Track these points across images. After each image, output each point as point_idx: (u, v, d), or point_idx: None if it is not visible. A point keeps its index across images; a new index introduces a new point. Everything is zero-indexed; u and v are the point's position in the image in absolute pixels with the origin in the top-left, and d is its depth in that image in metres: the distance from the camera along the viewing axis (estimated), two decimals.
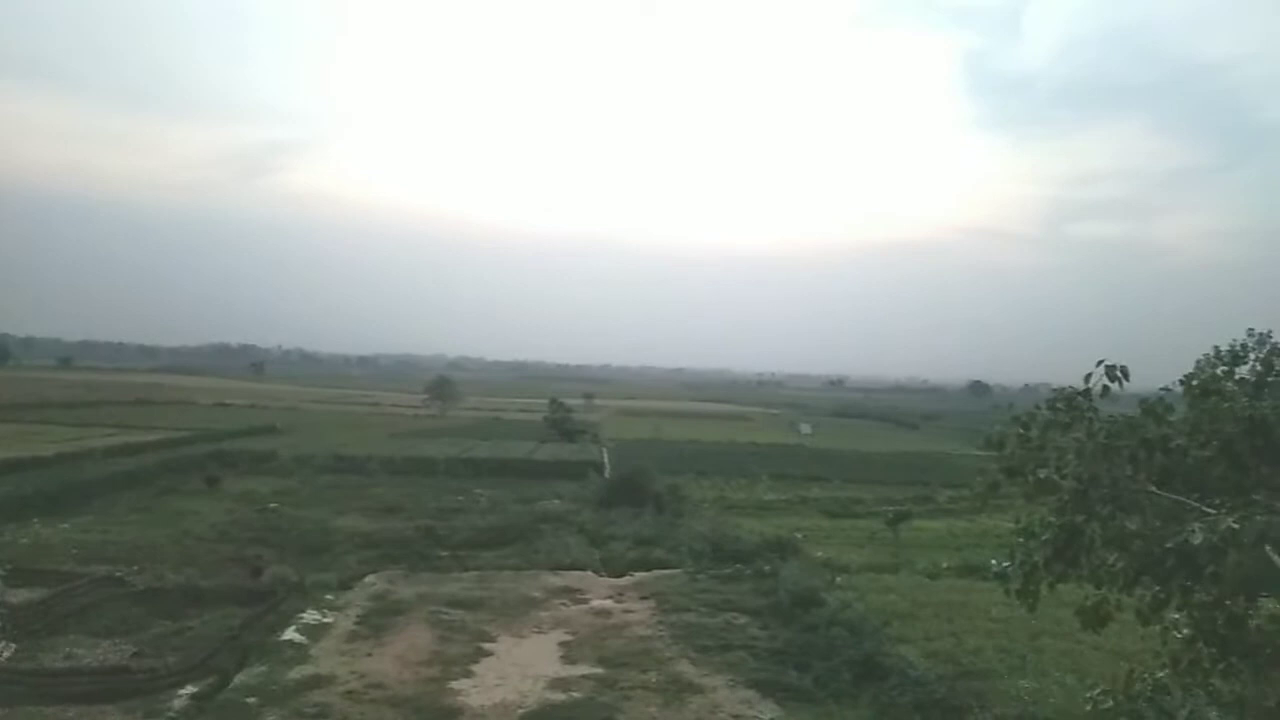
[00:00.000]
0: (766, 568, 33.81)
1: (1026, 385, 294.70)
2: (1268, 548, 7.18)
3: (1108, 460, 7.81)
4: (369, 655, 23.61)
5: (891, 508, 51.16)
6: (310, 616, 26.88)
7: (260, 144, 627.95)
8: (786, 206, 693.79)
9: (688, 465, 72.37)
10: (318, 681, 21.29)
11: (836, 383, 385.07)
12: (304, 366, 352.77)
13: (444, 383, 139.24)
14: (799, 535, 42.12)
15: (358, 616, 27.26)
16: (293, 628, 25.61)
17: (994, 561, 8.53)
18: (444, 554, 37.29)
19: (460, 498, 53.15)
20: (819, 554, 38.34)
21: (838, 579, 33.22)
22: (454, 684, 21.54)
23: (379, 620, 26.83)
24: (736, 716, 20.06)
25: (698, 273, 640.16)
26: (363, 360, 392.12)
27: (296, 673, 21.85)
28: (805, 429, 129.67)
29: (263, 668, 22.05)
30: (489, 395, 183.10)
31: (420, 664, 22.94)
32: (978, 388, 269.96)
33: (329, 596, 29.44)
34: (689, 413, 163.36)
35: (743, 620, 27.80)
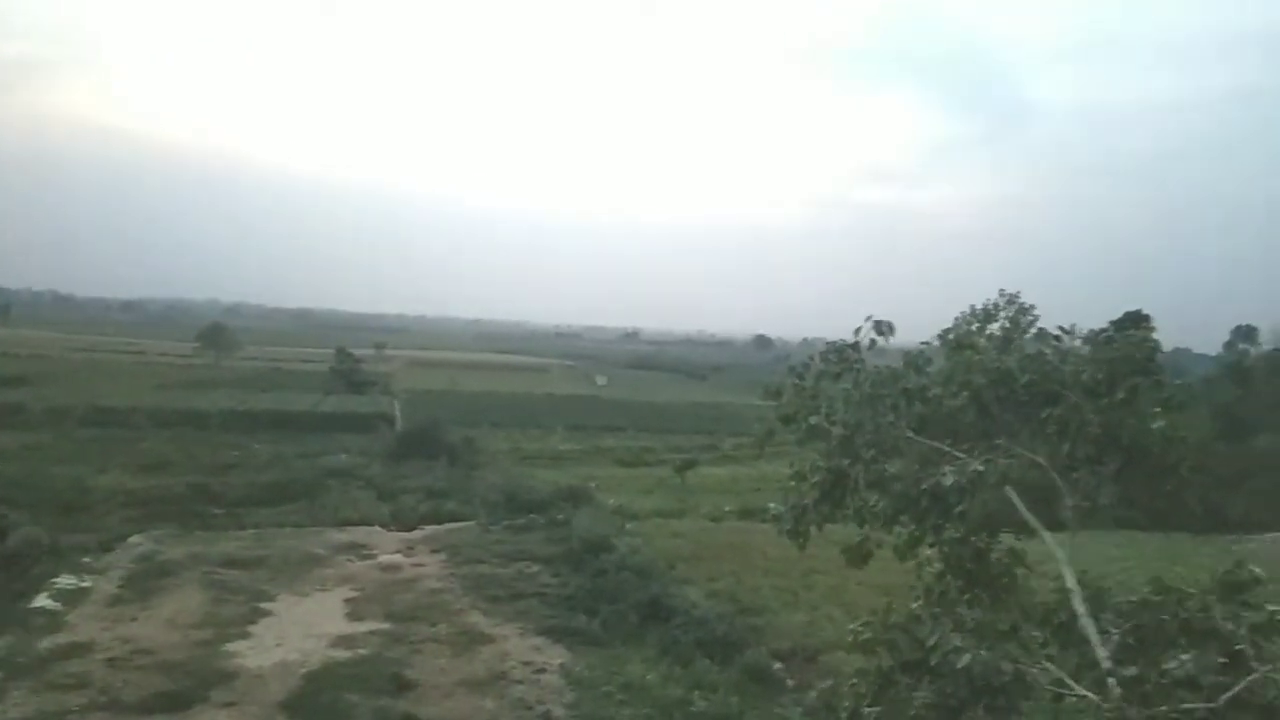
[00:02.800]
0: (560, 517, 34.20)
1: (806, 339, 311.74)
2: (1008, 488, 7.89)
3: (872, 408, 8.32)
4: (134, 620, 22.04)
5: (680, 456, 52.98)
6: (66, 581, 24.77)
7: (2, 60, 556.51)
8: (585, 164, 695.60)
9: (483, 417, 71.71)
10: (75, 650, 19.68)
11: (631, 335, 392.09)
12: (58, 310, 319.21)
13: (218, 330, 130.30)
14: (593, 484, 42.86)
15: (121, 580, 25.37)
16: (45, 594, 23.56)
17: (771, 505, 8.94)
18: (219, 512, 35.28)
19: (237, 452, 50.24)
20: (611, 502, 39.18)
21: (628, 525, 34.10)
22: (229, 646, 20.50)
23: (146, 583, 25.07)
24: (526, 663, 20.24)
25: (495, 223, 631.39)
26: (127, 305, 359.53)
27: (49, 642, 20.12)
28: (600, 381, 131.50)
29: (8, 638, 20.10)
30: (270, 344, 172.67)
31: (192, 627, 21.66)
32: (761, 341, 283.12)
33: (87, 559, 27.24)
34: (485, 364, 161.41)
35: (535, 569, 28.01)
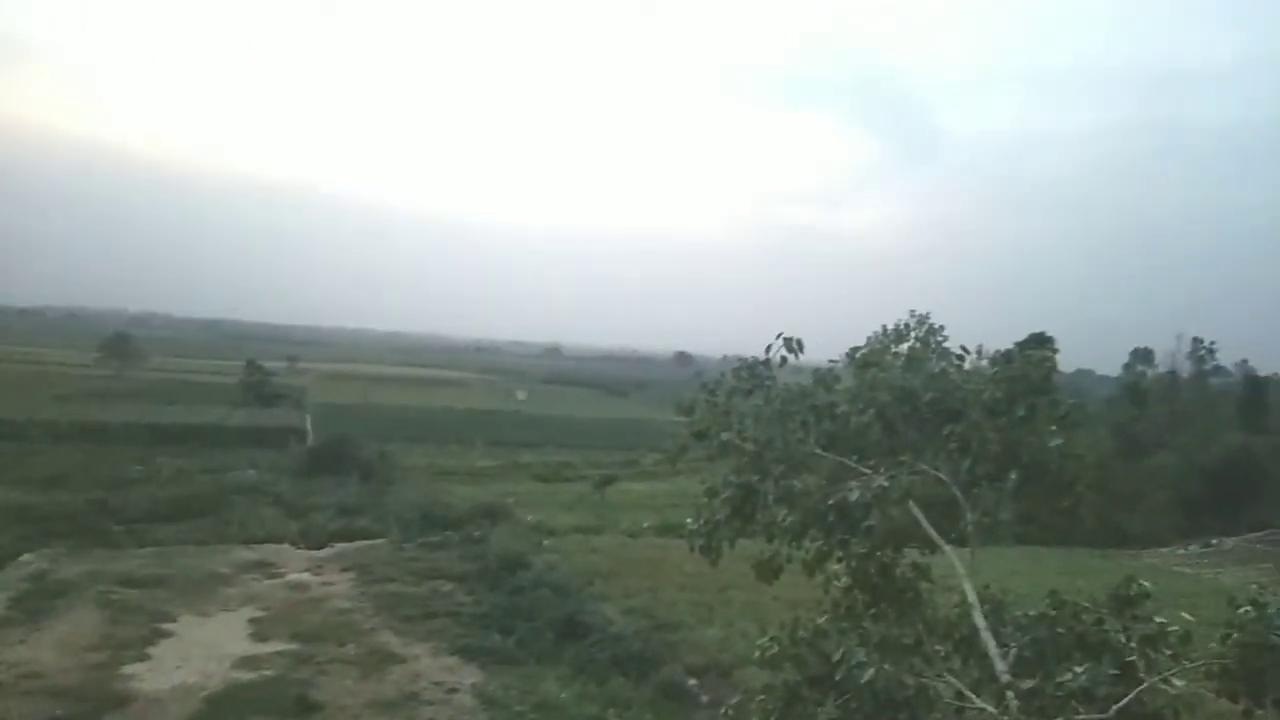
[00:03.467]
0: (476, 534, 33.74)
1: (725, 356, 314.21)
2: (912, 503, 8.04)
3: (782, 425, 8.41)
4: (22, 643, 20.94)
5: (599, 471, 52.87)
6: None
7: None
8: (506, 178, 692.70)
9: (400, 431, 70.47)
10: None
11: (553, 351, 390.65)
12: None
13: (122, 339, 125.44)
14: (510, 500, 42.46)
15: (9, 600, 24.11)
16: None
17: (689, 520, 8.94)
18: (119, 529, 33.87)
19: (140, 467, 48.32)
20: (529, 518, 38.84)
21: (545, 542, 33.84)
22: (126, 669, 19.64)
23: (36, 603, 23.87)
24: (438, 683, 19.84)
25: (415, 234, 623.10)
26: (24, 312, 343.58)
27: None
28: (520, 395, 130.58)
29: None
30: (178, 355, 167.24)
31: (86, 649, 20.68)
32: (683, 358, 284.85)
33: None
34: (403, 378, 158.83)
35: (449, 587, 27.54)
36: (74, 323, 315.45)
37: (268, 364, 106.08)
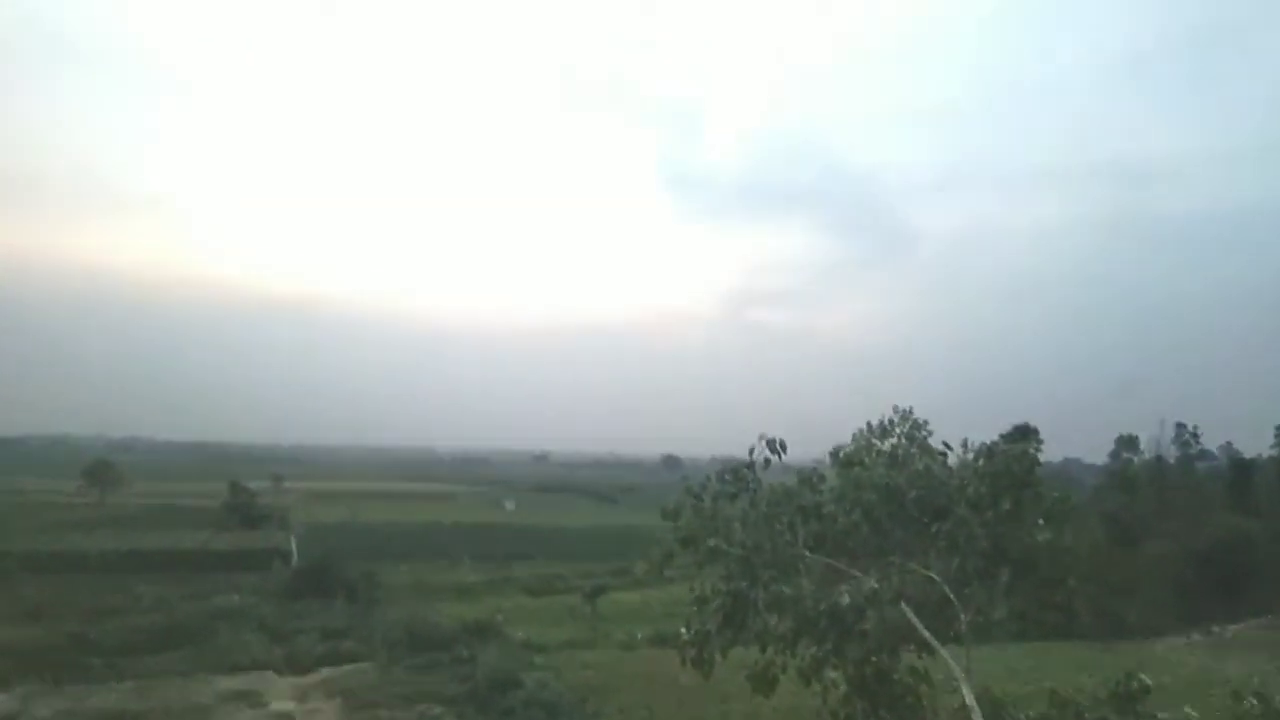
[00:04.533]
0: (465, 653, 32.79)
1: (713, 458, 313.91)
2: (904, 604, 7.93)
3: (769, 528, 8.35)
4: None
5: (590, 582, 51.91)
6: None
7: None
8: (488, 284, 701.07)
9: (386, 549, 69.23)
10: None
11: (541, 458, 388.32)
12: None
13: (104, 466, 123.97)
14: (500, 617, 41.46)
15: None
16: None
17: (683, 630, 8.76)
18: (97, 662, 32.69)
19: (120, 596, 47.03)
20: (520, 634, 37.88)
21: (536, 659, 32.93)
22: None
23: None
24: None
25: (399, 345, 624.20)
26: (5, 442, 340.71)
27: None
28: (509, 506, 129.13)
29: None
30: (161, 480, 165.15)
31: None
32: (670, 461, 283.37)
33: None
34: (389, 493, 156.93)
35: (438, 711, 26.62)
36: (56, 450, 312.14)
37: (252, 484, 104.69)
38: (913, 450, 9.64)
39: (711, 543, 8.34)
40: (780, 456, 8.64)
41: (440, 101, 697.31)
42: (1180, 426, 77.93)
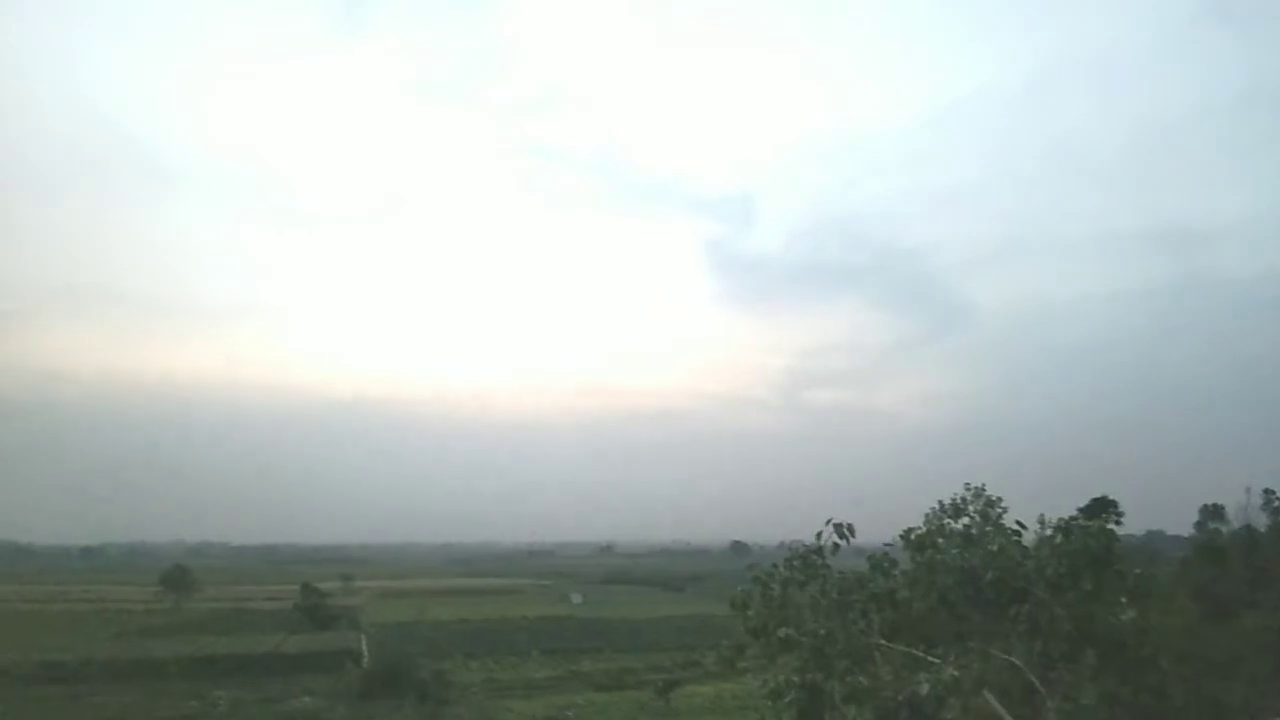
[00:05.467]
0: None
1: (782, 543, 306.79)
2: (986, 692, 7.64)
3: (842, 616, 8.14)
4: None
5: (661, 675, 50.85)
6: None
7: None
8: (548, 375, 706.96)
9: (455, 646, 68.89)
10: None
11: (606, 549, 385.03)
12: (16, 561, 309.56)
13: (180, 572, 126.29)
14: (570, 713, 40.76)
15: None
16: None
17: None
18: None
19: (195, 702, 47.47)
20: None
21: None
22: None
23: None
24: None
25: (460, 441, 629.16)
26: (87, 551, 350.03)
27: None
28: (576, 599, 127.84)
29: None
30: (234, 583, 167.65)
31: None
32: (738, 548, 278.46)
33: None
34: (456, 589, 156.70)
35: None
36: (135, 557, 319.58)
37: (323, 585, 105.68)
38: (987, 529, 9.41)
39: (783, 633, 8.14)
40: (849, 540, 8.49)
41: (497, 200, 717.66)
42: (1269, 493, 74.63)
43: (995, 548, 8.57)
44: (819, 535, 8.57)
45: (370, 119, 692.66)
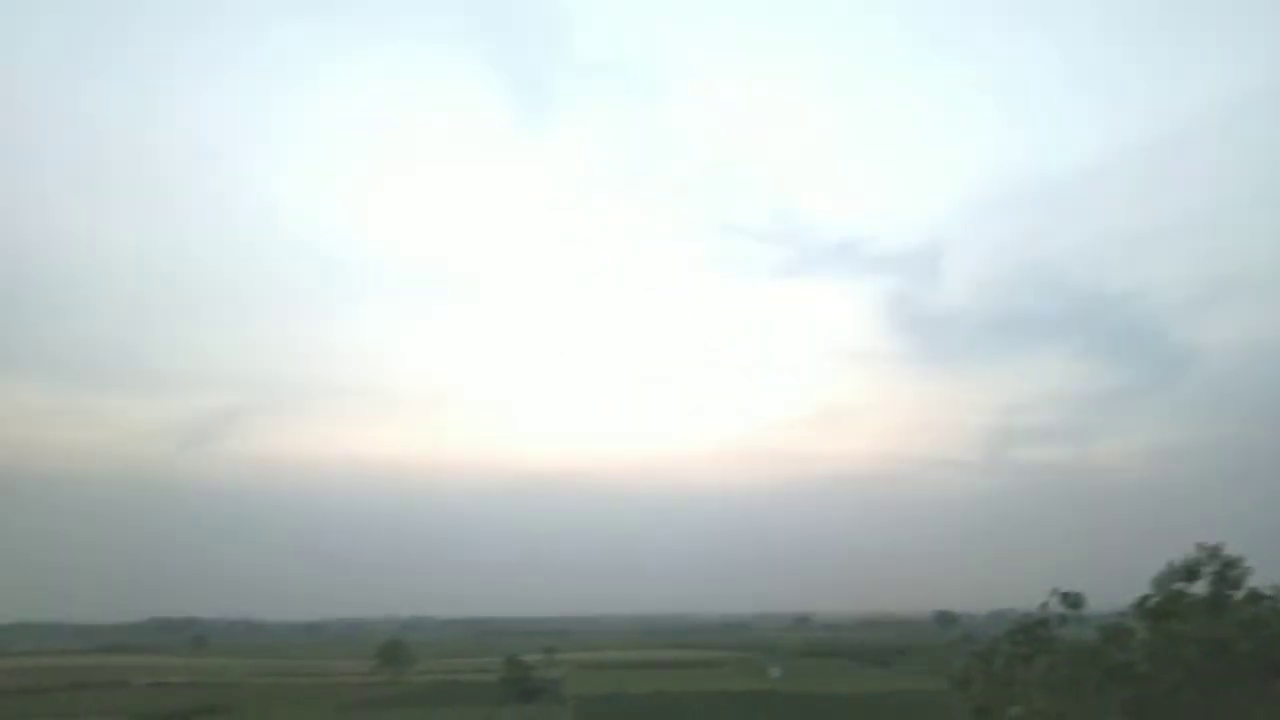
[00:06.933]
0: None
1: (993, 611, 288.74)
2: None
3: (1074, 693, 7.62)
4: None
5: None
6: None
7: (209, 412, 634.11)
8: (737, 444, 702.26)
9: None
10: None
11: (803, 619, 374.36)
12: (249, 637, 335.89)
13: (395, 646, 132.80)
14: None
15: None
16: None
17: None
18: None
19: None
20: None
21: None
22: None
23: None
24: None
25: (655, 513, 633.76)
26: (311, 627, 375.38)
27: None
28: (775, 672, 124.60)
29: None
30: (444, 656, 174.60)
31: None
32: (944, 618, 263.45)
33: None
34: (654, 661, 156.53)
35: None
36: (354, 633, 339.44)
37: (526, 657, 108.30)
38: (1232, 594, 8.58)
39: (1012, 713, 7.71)
40: (1076, 610, 7.97)
41: (678, 277, 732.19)
42: None
43: (1248, 615, 7.79)
44: (1043, 605, 8.10)
45: (553, 209, 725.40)
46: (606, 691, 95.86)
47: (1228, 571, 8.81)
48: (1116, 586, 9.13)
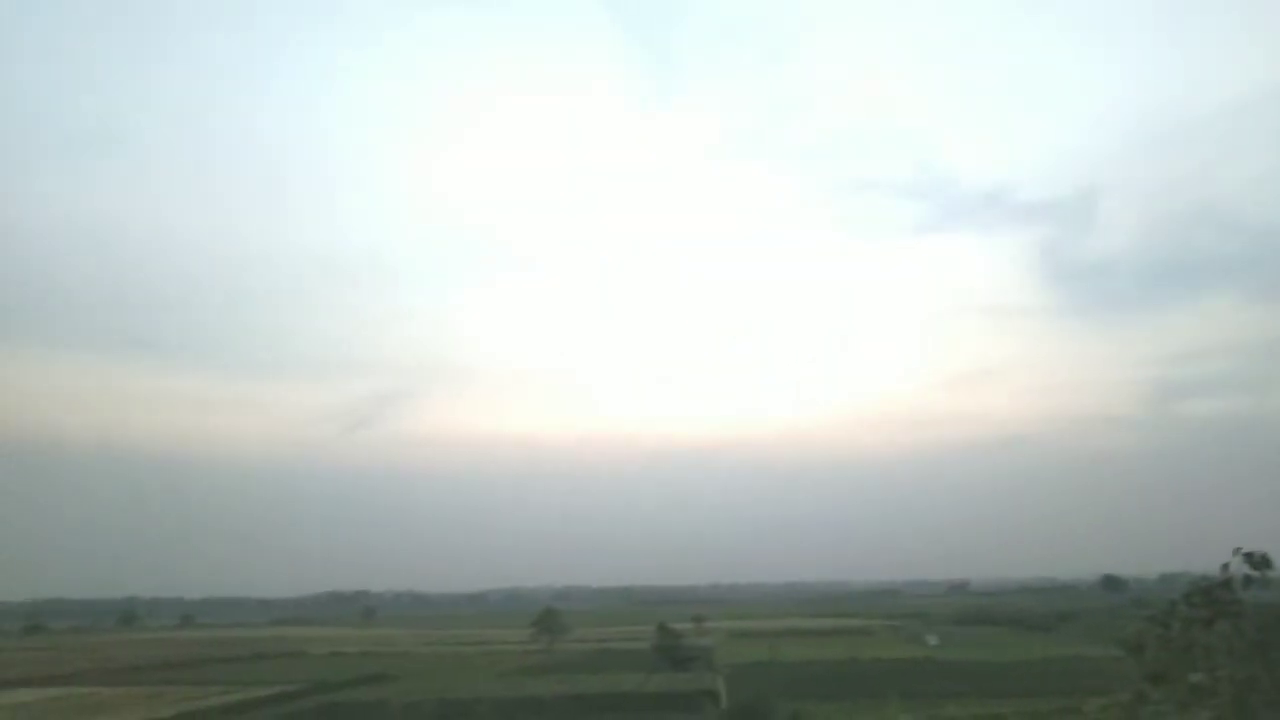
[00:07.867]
0: None
1: (1163, 575, 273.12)
2: None
3: (1264, 658, 7.06)
4: None
5: None
6: None
7: (367, 396, 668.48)
8: (881, 409, 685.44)
9: (809, 689, 68.18)
10: None
11: (958, 587, 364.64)
12: (415, 609, 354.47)
13: (551, 615, 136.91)
14: None
15: None
16: None
17: None
18: None
19: None
20: None
21: None
22: None
23: None
24: None
25: (805, 483, 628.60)
26: (472, 598, 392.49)
27: None
28: (932, 640, 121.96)
29: None
30: (597, 625, 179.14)
31: None
32: (1111, 582, 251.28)
33: None
34: (806, 630, 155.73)
35: None
36: (512, 602, 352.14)
37: (675, 625, 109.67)
38: None
39: (1195, 678, 7.21)
40: (1263, 572, 7.38)
41: (813, 239, 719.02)
42: None
43: None
44: (1225, 566, 7.54)
45: (682, 178, 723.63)
46: (757, 659, 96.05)
47: None
48: None
